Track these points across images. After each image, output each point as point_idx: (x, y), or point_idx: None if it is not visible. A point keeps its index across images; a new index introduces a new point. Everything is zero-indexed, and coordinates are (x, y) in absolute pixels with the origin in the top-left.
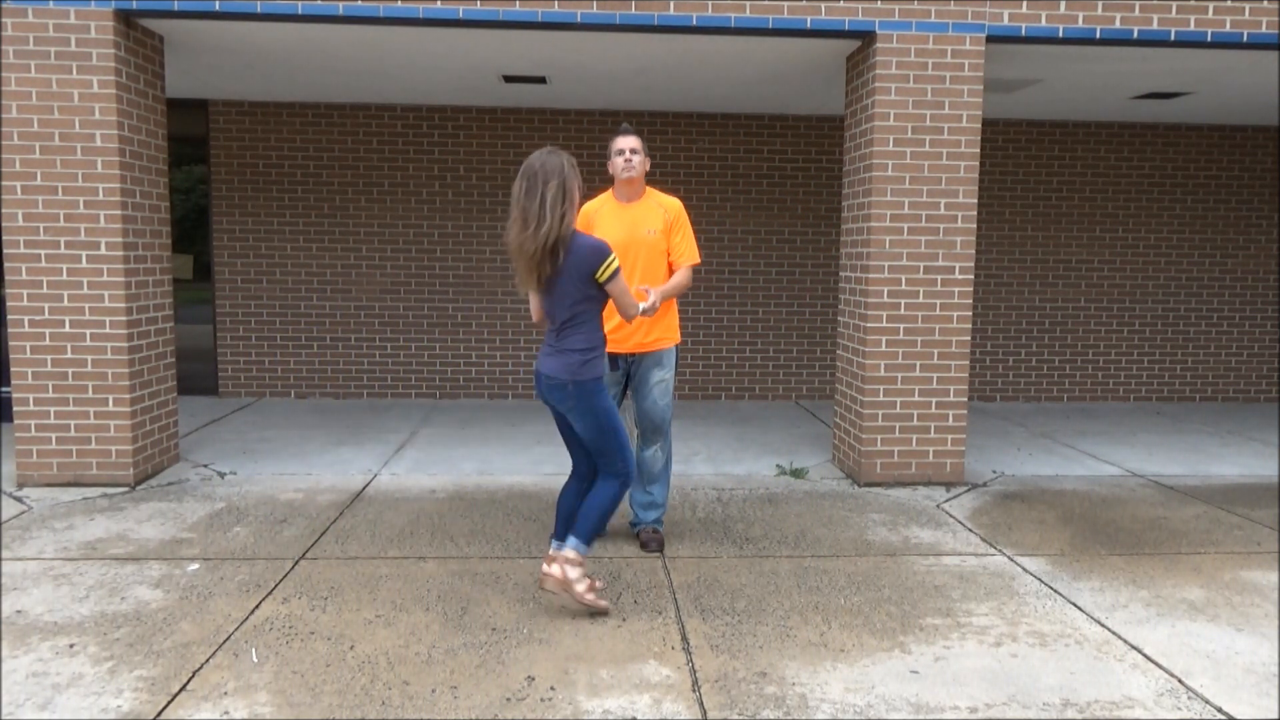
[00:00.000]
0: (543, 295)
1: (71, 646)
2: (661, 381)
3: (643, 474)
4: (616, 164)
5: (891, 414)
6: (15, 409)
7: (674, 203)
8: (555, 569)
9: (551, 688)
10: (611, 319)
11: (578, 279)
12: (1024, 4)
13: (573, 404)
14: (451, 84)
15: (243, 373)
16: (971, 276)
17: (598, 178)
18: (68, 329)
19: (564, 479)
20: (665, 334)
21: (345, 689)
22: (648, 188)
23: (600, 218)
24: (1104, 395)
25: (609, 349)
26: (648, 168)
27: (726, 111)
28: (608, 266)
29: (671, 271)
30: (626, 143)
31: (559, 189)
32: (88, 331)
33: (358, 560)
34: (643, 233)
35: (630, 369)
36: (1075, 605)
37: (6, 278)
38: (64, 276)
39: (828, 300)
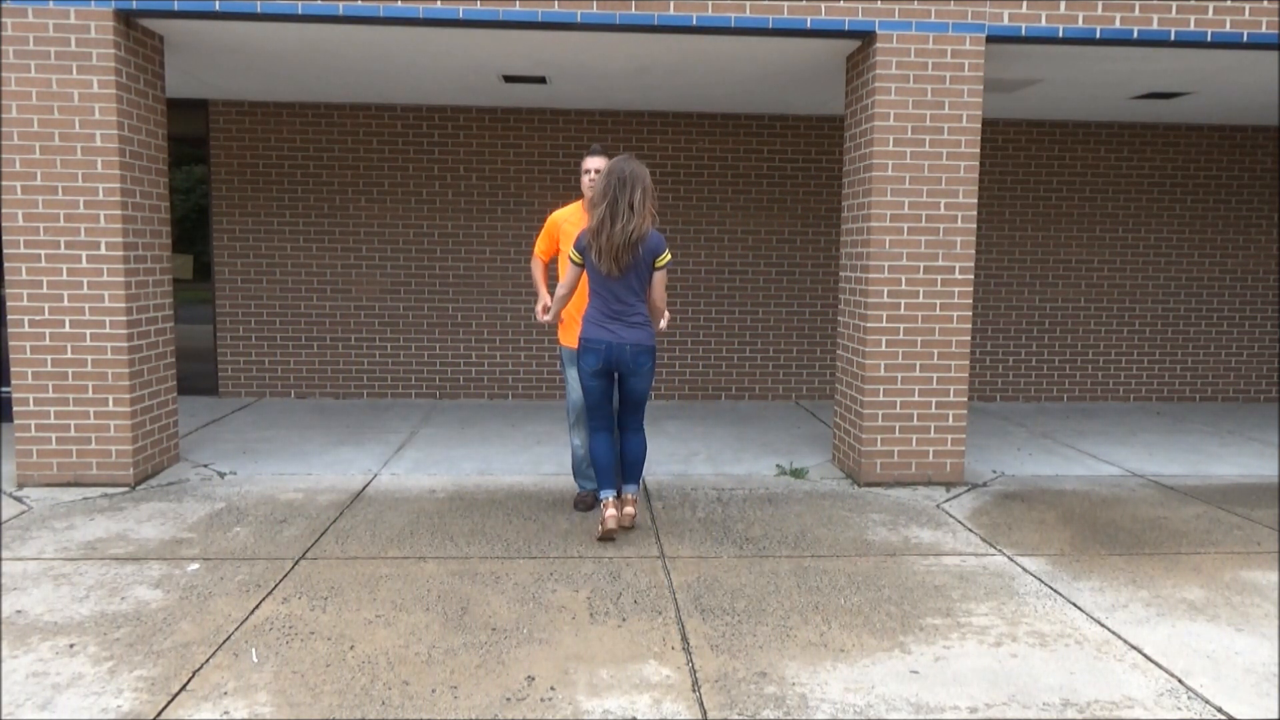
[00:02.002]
0: (611, 280)
1: (71, 646)
2: None
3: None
4: (585, 182)
5: (891, 414)
6: (15, 409)
7: None
8: (631, 510)
9: (551, 688)
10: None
11: (646, 266)
12: (1024, 4)
13: (647, 366)
14: (451, 84)
15: (243, 373)
16: (971, 276)
17: None
18: (68, 329)
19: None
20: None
21: (345, 689)
22: None
23: (570, 227)
24: (1104, 395)
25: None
26: None
27: (726, 111)
28: (665, 256)
29: None
30: (594, 163)
31: (644, 192)
32: (88, 331)
33: (358, 560)
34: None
35: None
36: (1075, 605)
37: (6, 278)
38: (64, 276)
39: (828, 300)
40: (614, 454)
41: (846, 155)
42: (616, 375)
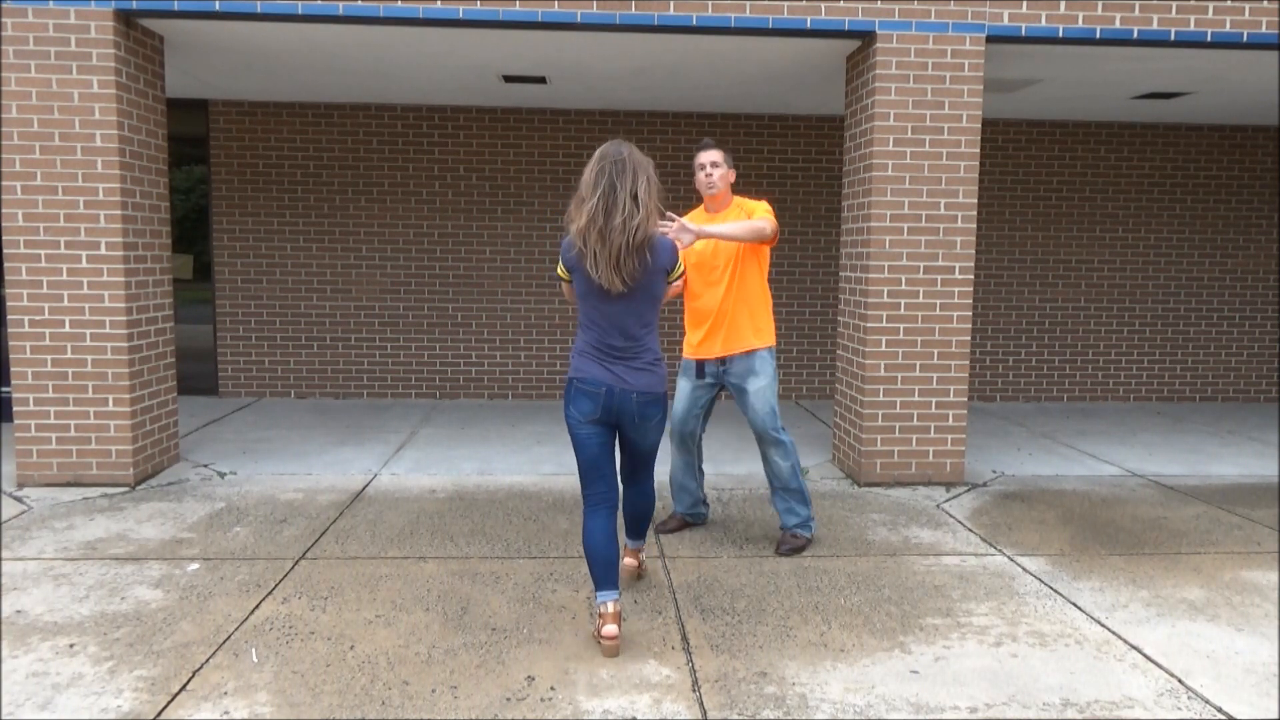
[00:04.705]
0: (611, 300)
1: (71, 646)
2: (759, 390)
3: (775, 484)
4: (699, 179)
5: (891, 414)
6: (15, 409)
7: (759, 204)
8: (634, 560)
9: (551, 688)
10: (700, 327)
11: (661, 278)
12: (1024, 4)
13: (657, 418)
14: (451, 84)
15: (243, 373)
16: (971, 276)
17: None
18: (68, 329)
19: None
20: (755, 337)
21: (345, 689)
22: (735, 196)
23: None
24: (1104, 395)
25: (697, 356)
26: (732, 179)
27: (726, 111)
28: (680, 268)
29: (758, 253)
30: (708, 157)
31: (649, 182)
32: (88, 331)
33: (358, 560)
34: (731, 243)
35: (721, 377)
36: (1075, 605)
37: (6, 278)
38: (64, 276)
39: (828, 300)
40: (615, 541)
41: (846, 155)
42: (617, 426)
